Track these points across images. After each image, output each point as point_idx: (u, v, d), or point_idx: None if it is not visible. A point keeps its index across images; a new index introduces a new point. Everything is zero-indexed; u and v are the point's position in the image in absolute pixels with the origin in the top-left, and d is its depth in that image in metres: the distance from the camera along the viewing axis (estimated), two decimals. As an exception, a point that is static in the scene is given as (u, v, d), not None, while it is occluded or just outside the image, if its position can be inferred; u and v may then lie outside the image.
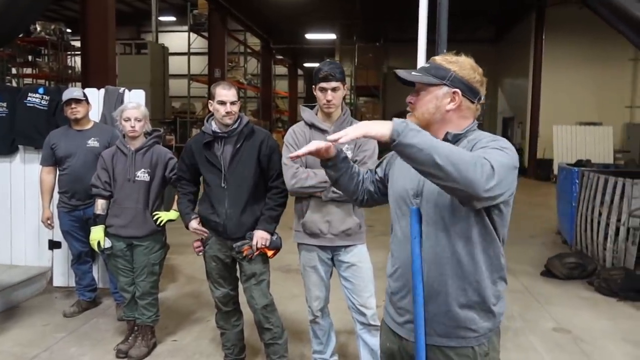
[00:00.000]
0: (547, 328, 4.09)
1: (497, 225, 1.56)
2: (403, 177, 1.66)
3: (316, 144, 1.66)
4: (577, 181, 6.36)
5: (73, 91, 3.98)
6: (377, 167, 1.89)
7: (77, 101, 3.87)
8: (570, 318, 4.31)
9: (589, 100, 15.65)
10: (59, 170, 4.00)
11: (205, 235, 3.01)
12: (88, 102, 4.00)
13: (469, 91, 1.59)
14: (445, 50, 3.05)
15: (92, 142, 3.92)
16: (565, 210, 6.74)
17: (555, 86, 15.39)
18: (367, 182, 1.87)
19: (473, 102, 1.61)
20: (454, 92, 1.58)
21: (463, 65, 1.59)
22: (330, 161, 1.75)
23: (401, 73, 1.60)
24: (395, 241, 1.71)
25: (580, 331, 4.03)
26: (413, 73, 1.62)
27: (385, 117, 20.85)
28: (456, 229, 1.53)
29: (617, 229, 5.37)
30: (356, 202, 1.93)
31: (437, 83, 1.57)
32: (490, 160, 1.33)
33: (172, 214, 3.42)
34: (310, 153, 1.66)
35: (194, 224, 3.01)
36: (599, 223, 5.70)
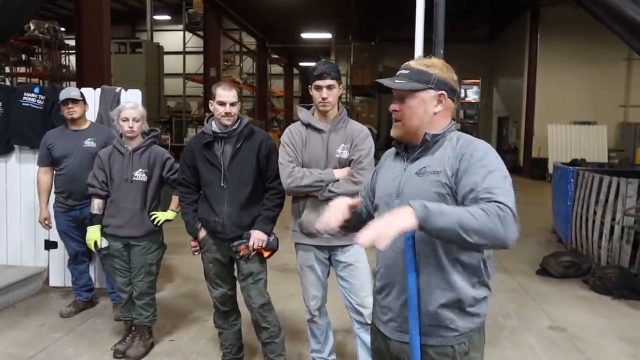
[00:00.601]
0: (543, 326, 4.12)
1: None
2: (385, 181, 1.72)
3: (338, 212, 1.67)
4: (572, 180, 6.39)
5: (70, 91, 3.97)
6: (368, 186, 1.89)
7: (74, 101, 3.86)
8: (566, 316, 4.34)
9: (583, 100, 15.73)
10: (56, 170, 3.99)
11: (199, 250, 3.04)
12: (85, 102, 3.99)
13: (451, 91, 1.65)
14: (442, 50, 3.07)
15: (89, 142, 3.90)
16: (560, 209, 6.78)
17: (549, 86, 15.46)
18: (367, 202, 1.87)
19: (454, 101, 1.67)
20: (440, 95, 1.63)
21: (441, 67, 1.65)
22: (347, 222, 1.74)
23: (386, 82, 1.62)
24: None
25: (576, 329, 4.06)
26: (397, 81, 1.63)
27: (380, 116, 20.93)
28: None
29: (612, 228, 5.41)
30: None
31: (424, 88, 1.61)
32: (505, 202, 1.39)
33: (170, 214, 3.42)
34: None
35: (202, 234, 3.01)
36: (593, 222, 5.73)
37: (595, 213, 5.71)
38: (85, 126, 4.00)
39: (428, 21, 3.26)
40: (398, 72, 1.66)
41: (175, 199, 3.37)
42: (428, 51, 3.28)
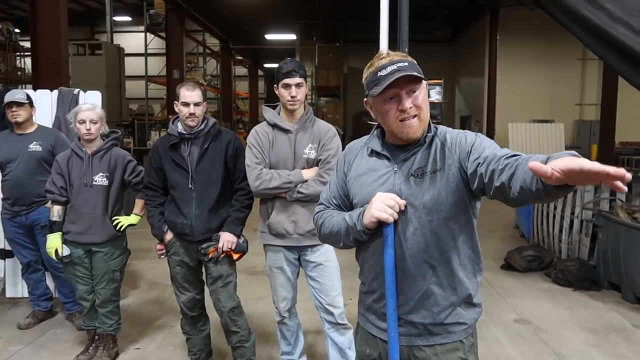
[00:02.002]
0: (508, 319, 4.21)
1: (476, 214, 1.58)
2: (370, 186, 1.59)
3: None
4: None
5: (15, 93, 3.78)
6: (335, 191, 1.74)
7: (19, 104, 3.70)
8: (530, 309, 4.45)
9: (541, 99, 16.24)
10: (1, 176, 3.81)
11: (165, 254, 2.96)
12: (32, 105, 3.83)
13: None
14: (406, 50, 3.09)
15: (34, 147, 3.74)
16: (523, 205, 6.95)
17: (509, 85, 15.88)
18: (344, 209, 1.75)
19: None
20: (426, 85, 1.55)
21: (412, 58, 1.56)
22: None
23: (414, 73, 1.45)
24: (370, 248, 1.63)
25: (540, 321, 4.17)
26: (415, 73, 1.46)
27: (346, 117, 21.03)
28: (446, 228, 1.53)
29: (572, 222, 5.59)
30: None
31: (425, 78, 1.52)
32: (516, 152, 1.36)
33: (133, 218, 3.32)
34: None
35: (169, 236, 2.93)
36: (554, 216, 5.91)
37: (555, 208, 5.89)
38: (32, 130, 3.83)
39: (392, 22, 3.28)
40: (396, 66, 1.47)
41: (139, 203, 3.27)
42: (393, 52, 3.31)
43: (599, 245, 5.08)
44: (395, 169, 1.57)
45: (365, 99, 1.61)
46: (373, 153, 1.64)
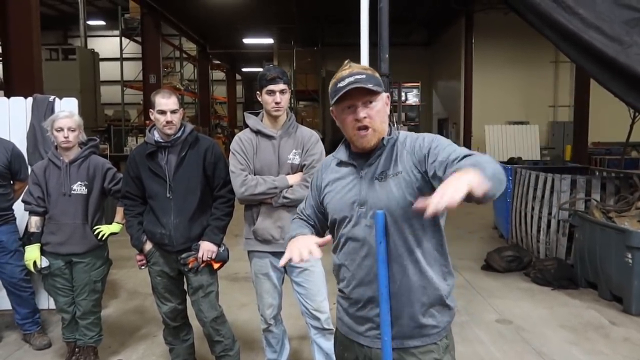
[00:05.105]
0: (490, 320, 4.26)
1: (442, 215, 1.61)
2: (340, 193, 1.66)
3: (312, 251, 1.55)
4: (510, 178, 6.68)
5: None
6: (311, 203, 1.81)
7: None
8: (511, 309, 4.51)
9: (516, 101, 16.56)
10: None
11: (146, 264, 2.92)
12: None
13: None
14: (387, 55, 3.12)
15: None
16: (501, 205, 7.07)
17: (485, 87, 16.15)
18: (311, 222, 1.82)
19: None
20: (387, 96, 1.65)
21: (374, 71, 1.65)
22: None
23: (368, 85, 1.53)
24: (345, 253, 1.66)
25: (521, 321, 4.23)
26: (369, 86, 1.54)
27: (325, 121, 21.09)
28: (411, 229, 1.57)
29: (549, 222, 5.69)
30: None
31: (382, 90, 1.61)
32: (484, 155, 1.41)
33: (115, 227, 3.26)
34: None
35: (148, 247, 2.89)
36: (532, 217, 6.01)
37: (533, 208, 6.00)
38: None
39: (370, 26, 3.31)
40: (354, 78, 1.55)
41: (120, 211, 3.21)
42: (372, 55, 3.34)
43: (576, 245, 5.19)
44: (361, 175, 1.63)
45: (331, 108, 1.68)
46: (341, 163, 1.71)
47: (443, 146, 1.52)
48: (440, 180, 1.42)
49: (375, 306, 1.59)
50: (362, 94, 1.56)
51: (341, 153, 1.72)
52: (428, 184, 1.53)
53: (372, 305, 1.61)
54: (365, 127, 1.57)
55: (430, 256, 1.60)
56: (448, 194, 1.19)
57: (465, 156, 1.41)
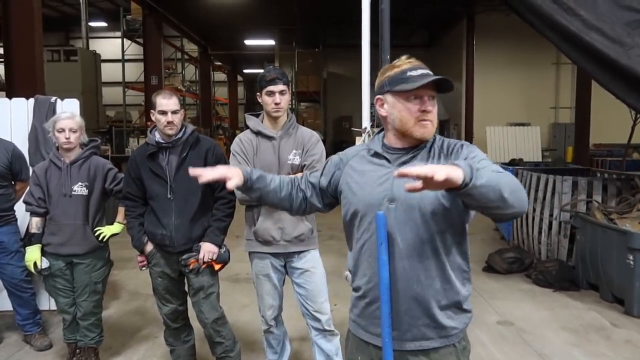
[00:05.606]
0: (491, 321, 4.26)
1: (468, 221, 1.62)
2: (368, 186, 1.63)
3: (222, 172, 1.64)
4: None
5: None
6: (321, 177, 1.81)
7: None
8: (512, 310, 4.51)
9: (517, 102, 16.55)
10: None
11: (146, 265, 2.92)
12: None
13: None
14: (388, 56, 3.12)
15: None
16: (502, 207, 7.05)
17: (486, 89, 16.14)
18: (307, 192, 1.81)
19: None
20: None
21: None
22: (242, 187, 1.72)
23: (440, 77, 1.54)
24: (369, 249, 1.63)
25: (522, 322, 4.23)
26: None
27: (326, 122, 21.10)
28: (439, 231, 1.56)
29: (550, 224, 5.69)
30: (292, 212, 1.87)
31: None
32: (510, 174, 1.42)
33: (116, 227, 3.26)
34: (216, 179, 1.64)
35: (149, 248, 2.88)
36: (533, 218, 6.01)
37: (534, 210, 5.99)
38: None
39: (371, 27, 3.32)
40: (427, 71, 1.57)
41: (121, 211, 3.21)
42: (374, 56, 3.35)
43: (577, 246, 5.18)
44: (395, 170, 1.59)
45: (378, 96, 1.66)
46: (374, 154, 1.68)
47: (478, 158, 1.52)
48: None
49: (398, 305, 1.57)
50: (431, 88, 1.57)
51: (375, 144, 1.69)
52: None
53: (395, 305, 1.58)
54: (429, 120, 1.58)
55: (454, 260, 1.60)
56: (431, 169, 1.22)
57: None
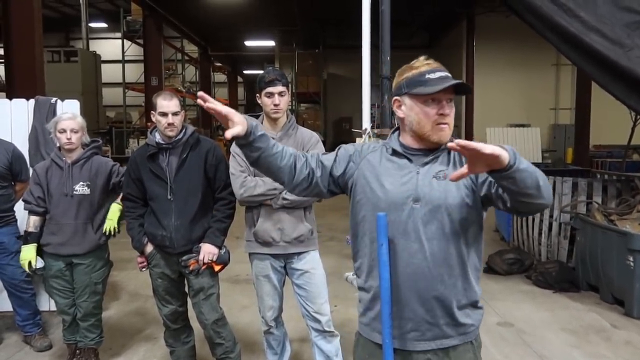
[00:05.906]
0: (492, 323, 4.25)
1: (483, 223, 1.63)
2: (391, 185, 1.60)
3: (229, 111, 1.52)
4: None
5: None
6: (334, 162, 1.72)
7: None
8: (513, 312, 4.51)
9: (517, 103, 16.59)
10: None
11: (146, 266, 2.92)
12: None
13: None
14: (388, 56, 3.13)
15: None
16: (502, 208, 7.06)
17: (486, 90, 16.14)
18: (316, 172, 1.70)
19: None
20: None
21: None
22: (243, 139, 1.56)
23: (458, 81, 1.53)
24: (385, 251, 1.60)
25: (522, 323, 4.22)
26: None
27: (326, 123, 21.10)
28: (463, 231, 1.57)
29: (550, 225, 5.69)
30: (288, 186, 1.72)
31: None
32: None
33: (114, 208, 3.20)
34: (220, 113, 1.51)
35: (149, 249, 2.89)
36: (533, 220, 6.00)
37: (534, 211, 5.99)
38: None
39: (372, 29, 3.32)
40: (446, 74, 1.56)
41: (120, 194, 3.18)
42: (374, 57, 3.35)
43: (577, 248, 5.18)
44: (418, 170, 1.60)
45: (395, 97, 1.65)
46: (393, 152, 1.66)
47: None
48: (489, 184, 1.50)
49: (420, 305, 1.57)
50: (449, 91, 1.55)
51: (394, 142, 1.67)
52: (477, 191, 1.56)
53: (417, 304, 1.57)
54: (446, 123, 1.57)
55: (472, 259, 1.61)
56: (478, 145, 1.26)
57: None
